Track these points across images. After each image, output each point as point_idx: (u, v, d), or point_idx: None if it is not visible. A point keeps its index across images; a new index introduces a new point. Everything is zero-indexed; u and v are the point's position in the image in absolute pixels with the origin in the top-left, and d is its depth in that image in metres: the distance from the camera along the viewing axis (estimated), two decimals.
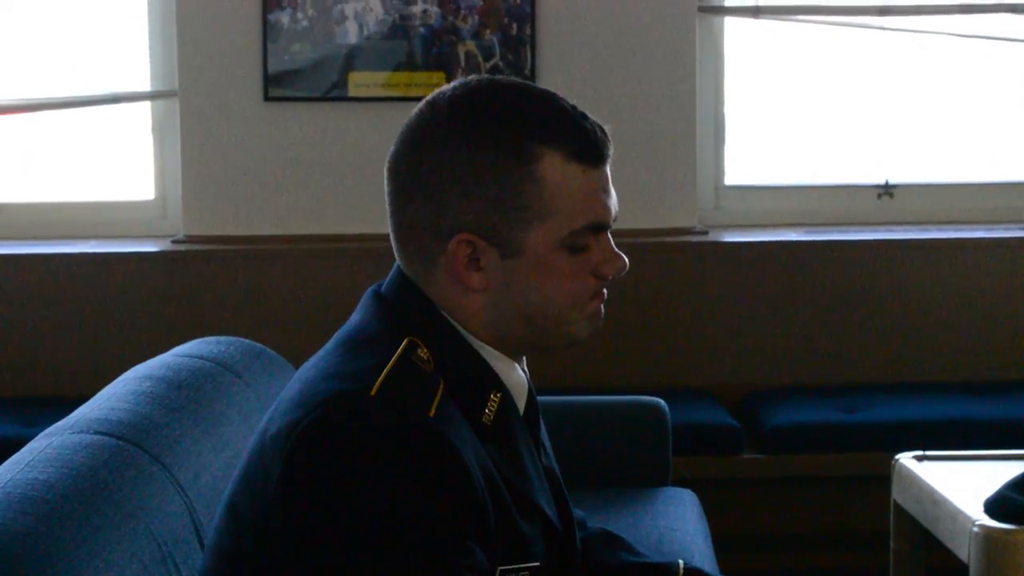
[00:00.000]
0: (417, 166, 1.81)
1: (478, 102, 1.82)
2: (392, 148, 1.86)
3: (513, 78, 1.90)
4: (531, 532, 1.82)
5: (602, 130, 1.83)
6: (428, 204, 1.80)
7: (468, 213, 1.78)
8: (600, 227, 1.83)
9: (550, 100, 1.83)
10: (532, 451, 1.91)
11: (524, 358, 1.93)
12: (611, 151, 1.84)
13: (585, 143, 1.81)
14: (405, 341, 1.78)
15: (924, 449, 3.35)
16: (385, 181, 1.87)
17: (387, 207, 1.87)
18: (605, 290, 1.87)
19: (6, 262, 4.48)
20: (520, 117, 1.80)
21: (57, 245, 4.58)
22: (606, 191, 1.84)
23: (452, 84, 1.85)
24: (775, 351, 4.56)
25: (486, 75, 1.89)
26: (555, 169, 1.79)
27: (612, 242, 1.85)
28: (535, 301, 1.82)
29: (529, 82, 1.90)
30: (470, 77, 1.87)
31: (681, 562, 2.13)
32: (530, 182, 1.78)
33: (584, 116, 1.83)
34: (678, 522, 3.13)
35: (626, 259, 1.86)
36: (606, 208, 1.83)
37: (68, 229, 4.69)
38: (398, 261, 1.88)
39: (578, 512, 2.18)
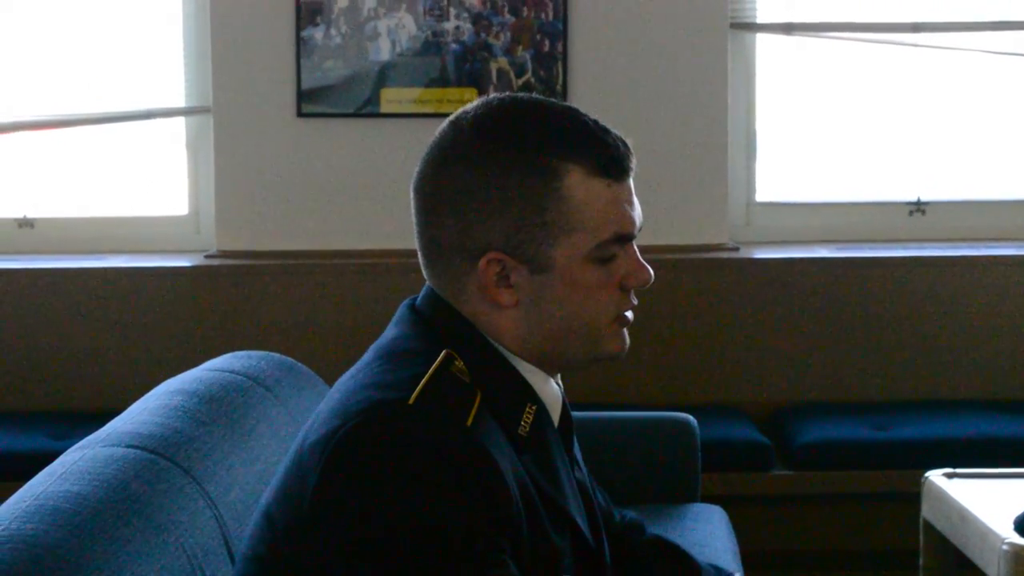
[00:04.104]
0: (442, 187, 1.83)
1: (500, 121, 1.83)
2: (417, 168, 1.88)
3: (535, 95, 1.90)
4: (563, 545, 1.83)
5: (625, 144, 1.85)
6: (455, 224, 1.82)
7: (495, 232, 1.80)
8: (626, 238, 1.85)
9: (572, 116, 1.85)
10: (566, 464, 1.92)
11: (559, 374, 1.94)
12: (634, 164, 1.86)
13: (608, 157, 1.82)
14: (443, 353, 1.80)
15: (954, 467, 3.34)
16: (411, 201, 1.88)
17: (414, 227, 1.88)
18: (631, 314, 1.89)
19: (41, 276, 4.51)
20: (542, 135, 1.82)
21: (91, 260, 4.61)
22: (630, 203, 1.85)
23: (474, 103, 1.87)
24: (805, 367, 4.55)
25: (507, 93, 1.90)
26: (579, 185, 1.81)
27: (638, 253, 1.87)
28: (565, 315, 1.84)
29: (550, 99, 1.91)
30: (492, 96, 1.88)
31: (737, 575, 2.14)
32: (555, 199, 1.80)
33: (606, 131, 1.84)
34: (707, 538, 3.13)
35: (651, 271, 1.87)
36: (631, 219, 1.85)
37: (102, 244, 4.73)
38: (427, 279, 1.90)
39: (633, 515, 2.19)
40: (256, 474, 2.38)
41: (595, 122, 1.85)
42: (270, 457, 2.45)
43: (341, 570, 1.68)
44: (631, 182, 1.86)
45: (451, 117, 1.87)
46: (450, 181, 1.82)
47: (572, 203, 1.80)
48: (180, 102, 4.71)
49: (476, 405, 1.76)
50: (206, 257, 4.61)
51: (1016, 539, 2.85)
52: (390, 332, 1.90)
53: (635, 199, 1.87)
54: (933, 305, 4.56)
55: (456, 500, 1.67)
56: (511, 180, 1.80)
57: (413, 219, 1.88)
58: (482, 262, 1.81)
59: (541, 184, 1.80)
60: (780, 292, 4.56)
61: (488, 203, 1.80)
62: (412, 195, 1.88)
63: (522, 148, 1.81)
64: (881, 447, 4.17)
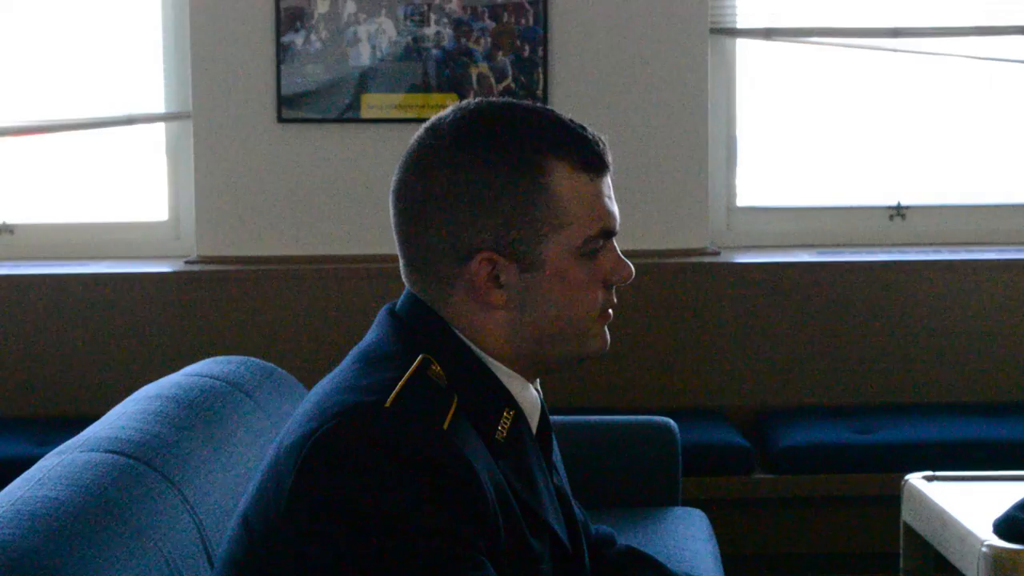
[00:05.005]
0: (427, 191, 1.83)
1: (481, 123, 1.85)
2: (396, 177, 1.88)
3: (508, 99, 1.92)
4: (541, 549, 1.84)
5: (602, 141, 1.87)
6: (443, 228, 1.82)
7: (485, 231, 1.81)
8: (610, 233, 1.87)
9: (550, 115, 1.87)
10: (544, 470, 1.92)
11: (538, 379, 1.95)
12: (611, 161, 1.88)
13: (590, 153, 1.85)
14: (419, 357, 1.80)
15: (935, 470, 3.35)
16: (391, 210, 1.88)
17: (395, 235, 1.89)
18: (611, 311, 1.90)
19: (20, 282, 4.50)
20: (525, 133, 1.84)
21: (71, 265, 4.60)
22: (611, 199, 1.88)
23: (449, 109, 1.88)
24: (786, 371, 4.56)
25: (481, 98, 1.91)
26: (565, 180, 1.83)
27: (618, 250, 1.89)
28: (554, 314, 1.85)
29: (523, 101, 1.93)
30: (465, 101, 1.90)
31: None
32: (542, 194, 1.81)
33: (584, 128, 1.87)
34: (687, 542, 3.13)
35: (632, 267, 1.89)
36: (613, 215, 1.88)
37: (82, 250, 4.72)
38: (409, 287, 1.90)
39: (606, 528, 2.19)
40: (235, 479, 2.38)
41: (571, 120, 1.87)
42: (249, 462, 2.45)
43: (316, 570, 1.68)
44: (609, 179, 1.88)
45: (427, 124, 1.89)
46: (435, 186, 1.83)
47: (559, 198, 1.82)
48: (160, 108, 4.71)
49: (452, 409, 1.76)
50: (186, 263, 4.60)
51: (995, 541, 2.86)
52: (369, 336, 1.90)
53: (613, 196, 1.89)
54: (913, 309, 4.57)
55: (432, 501, 1.67)
56: (498, 179, 1.81)
57: (394, 228, 1.88)
58: (474, 263, 1.82)
59: (528, 180, 1.81)
60: (761, 296, 4.56)
61: (477, 204, 1.81)
62: (392, 203, 1.88)
63: (506, 147, 1.82)
64: (862, 450, 4.18)
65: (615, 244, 1.89)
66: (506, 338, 1.85)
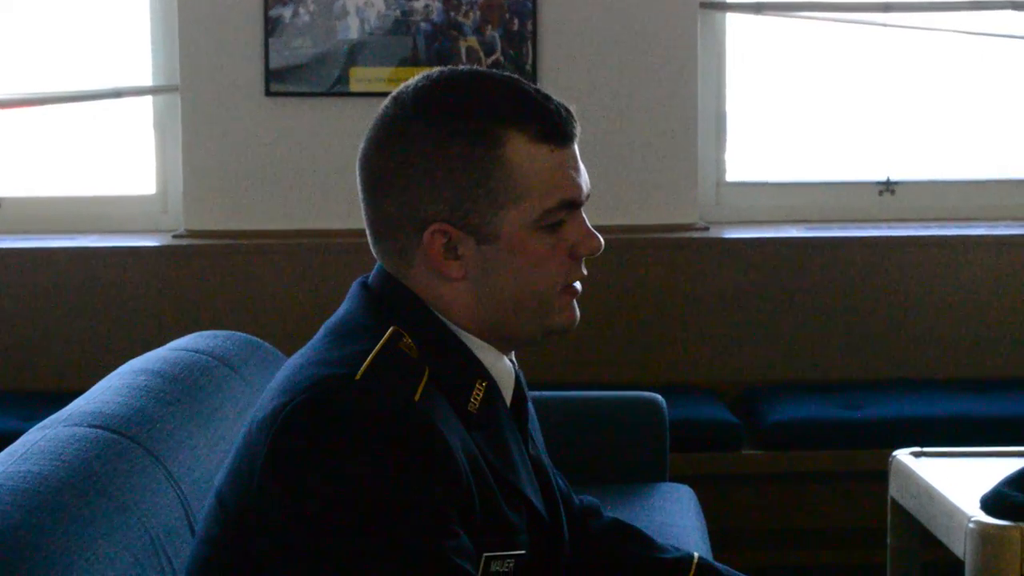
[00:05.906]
0: (386, 162, 1.83)
1: (440, 93, 1.83)
2: (361, 146, 1.88)
3: (475, 67, 1.90)
4: (517, 520, 1.83)
5: (567, 110, 1.84)
6: (400, 199, 1.82)
7: (439, 203, 1.80)
8: (572, 204, 1.84)
9: (511, 84, 1.84)
10: (519, 441, 1.92)
11: (512, 351, 1.93)
12: (578, 130, 1.85)
13: (549, 123, 1.81)
14: (390, 329, 1.79)
15: (923, 445, 3.35)
16: (357, 180, 1.88)
17: (361, 205, 1.88)
18: (580, 285, 1.88)
19: (7, 256, 4.48)
20: (482, 103, 1.81)
21: (58, 239, 4.59)
22: (576, 169, 1.84)
23: (415, 78, 1.86)
24: (775, 347, 4.56)
25: (448, 67, 1.89)
26: (521, 151, 1.80)
27: (587, 221, 1.86)
28: (514, 286, 1.83)
29: (491, 70, 1.90)
30: (432, 69, 1.88)
31: (696, 555, 2.13)
32: (497, 166, 1.79)
33: (547, 97, 1.84)
34: (675, 518, 3.13)
35: (601, 239, 1.86)
36: (577, 185, 1.84)
37: (69, 223, 4.70)
38: (376, 258, 1.89)
39: (591, 498, 2.19)
40: (220, 454, 2.37)
41: (536, 89, 1.84)
42: (234, 437, 2.44)
43: (291, 545, 1.67)
44: (576, 149, 1.85)
45: (393, 93, 1.87)
46: (394, 155, 1.82)
47: (515, 170, 1.79)
48: (147, 81, 4.69)
49: (424, 381, 1.76)
50: (174, 237, 4.59)
51: (982, 517, 2.85)
52: (340, 309, 1.90)
53: (581, 166, 1.86)
54: (902, 285, 4.57)
55: (404, 472, 1.66)
56: (453, 149, 1.79)
57: (360, 198, 1.88)
58: (427, 234, 1.81)
59: (482, 151, 1.79)
60: (750, 272, 4.56)
61: (431, 174, 1.79)
62: (357, 175, 1.88)
63: (462, 117, 1.80)
64: (850, 426, 4.18)
65: (583, 215, 1.86)
66: (470, 310, 1.84)
